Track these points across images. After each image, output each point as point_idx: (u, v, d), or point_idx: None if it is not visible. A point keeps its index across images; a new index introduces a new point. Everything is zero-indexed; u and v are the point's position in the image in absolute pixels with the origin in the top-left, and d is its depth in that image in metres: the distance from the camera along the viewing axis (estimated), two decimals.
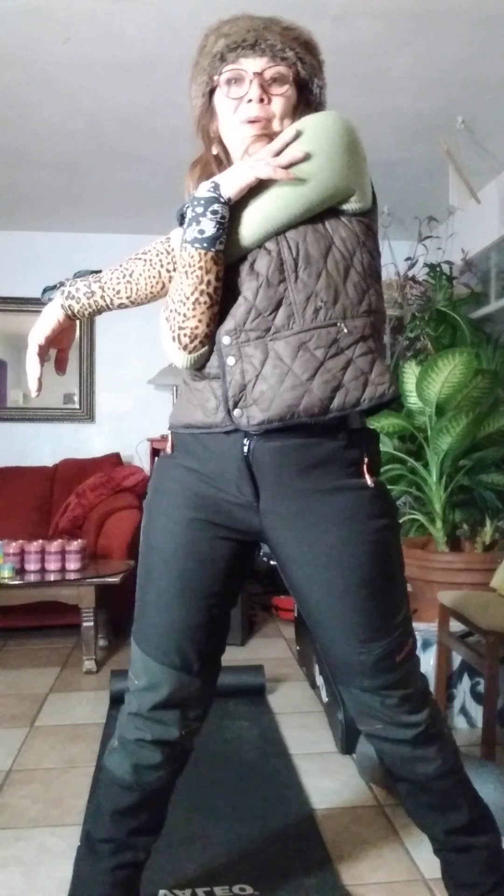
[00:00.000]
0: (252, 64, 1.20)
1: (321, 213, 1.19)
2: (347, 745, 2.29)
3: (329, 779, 2.15)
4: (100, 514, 3.83)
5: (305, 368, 1.16)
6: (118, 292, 1.26)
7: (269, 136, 1.21)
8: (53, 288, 1.28)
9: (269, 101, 1.21)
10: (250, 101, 1.20)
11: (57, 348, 1.35)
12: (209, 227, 1.14)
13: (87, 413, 4.78)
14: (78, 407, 4.77)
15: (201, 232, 1.14)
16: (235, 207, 1.16)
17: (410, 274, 4.02)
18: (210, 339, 1.21)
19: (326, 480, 1.21)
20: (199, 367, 1.24)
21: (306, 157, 1.14)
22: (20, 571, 3.23)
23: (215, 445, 1.23)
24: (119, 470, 4.19)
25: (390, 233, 4.14)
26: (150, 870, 1.48)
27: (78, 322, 1.33)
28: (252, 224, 1.16)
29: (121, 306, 1.27)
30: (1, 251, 4.66)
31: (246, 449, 1.20)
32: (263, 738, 2.44)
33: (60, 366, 1.37)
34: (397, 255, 3.99)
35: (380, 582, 1.23)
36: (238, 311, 1.18)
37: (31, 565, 3.26)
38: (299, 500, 1.22)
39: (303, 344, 1.16)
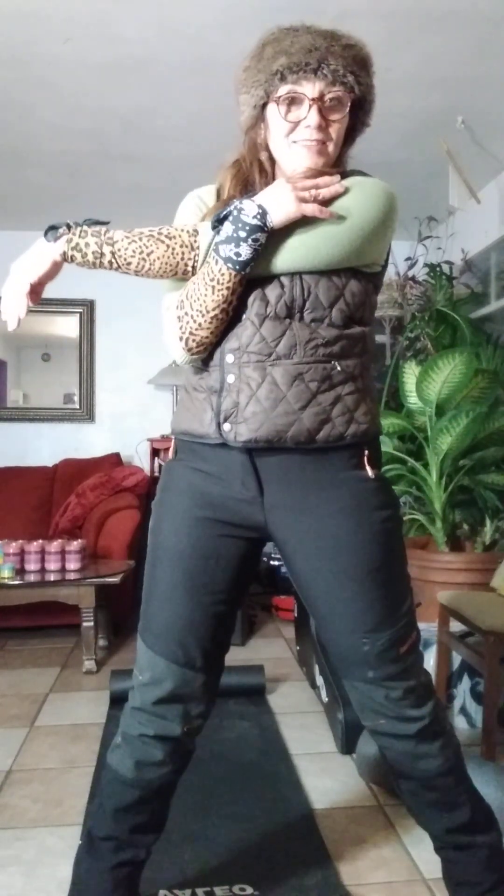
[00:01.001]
0: (311, 88, 1.19)
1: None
2: (347, 745, 2.29)
3: (329, 779, 2.15)
4: (100, 514, 3.83)
5: (299, 398, 1.20)
6: (129, 264, 1.20)
7: (322, 160, 1.23)
8: (57, 228, 1.21)
9: (328, 125, 1.21)
10: (308, 126, 1.20)
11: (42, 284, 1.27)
12: (246, 252, 1.15)
13: (87, 413, 4.78)
14: (78, 407, 4.77)
15: (237, 255, 1.15)
16: (270, 236, 1.17)
17: (410, 274, 4.03)
18: (214, 346, 1.24)
19: (329, 473, 1.25)
20: (196, 367, 1.27)
21: (342, 218, 1.17)
22: (20, 571, 3.23)
23: (217, 447, 1.26)
24: (119, 470, 4.19)
25: None
26: (150, 870, 1.48)
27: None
28: (278, 258, 1.19)
29: (123, 273, 1.23)
30: (1, 251, 4.66)
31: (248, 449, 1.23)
32: (263, 738, 2.44)
33: (36, 298, 1.26)
34: (397, 255, 3.99)
35: (384, 572, 1.26)
36: (244, 333, 1.21)
37: (31, 565, 3.25)
38: (303, 492, 1.25)
39: (300, 374, 1.20)
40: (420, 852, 1.74)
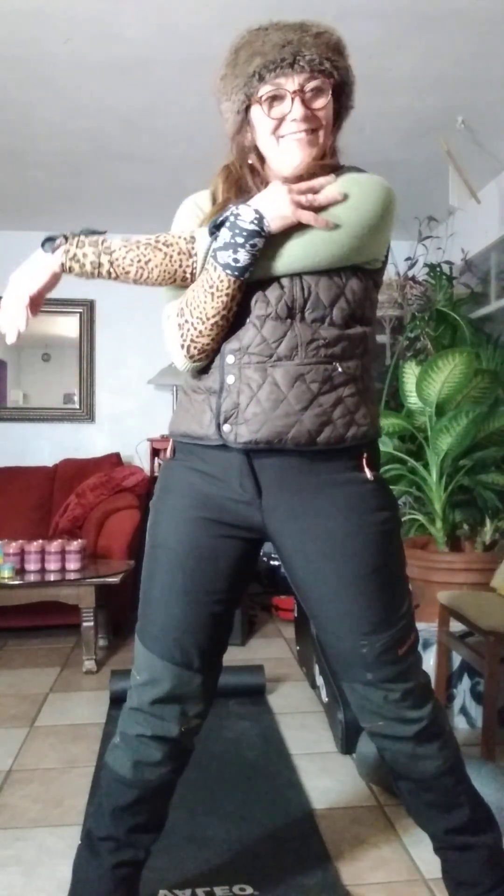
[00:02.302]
0: (291, 82, 1.20)
1: None
2: (347, 745, 2.29)
3: (329, 779, 2.15)
4: (100, 514, 3.83)
5: (300, 399, 1.19)
6: (127, 273, 1.20)
7: (314, 150, 1.23)
8: (54, 239, 1.20)
9: (313, 114, 1.22)
10: (294, 119, 1.20)
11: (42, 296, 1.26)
12: (244, 257, 1.15)
13: (87, 413, 4.78)
14: (78, 407, 4.77)
15: (236, 261, 1.15)
16: (267, 239, 1.17)
17: (410, 274, 4.03)
18: (215, 352, 1.24)
19: (327, 475, 1.24)
20: (197, 371, 1.27)
21: (341, 223, 1.17)
22: (20, 571, 3.23)
23: (216, 449, 1.26)
24: (119, 470, 4.19)
25: None
26: (150, 870, 1.48)
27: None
28: (277, 261, 1.18)
29: (123, 282, 1.23)
30: (1, 251, 4.66)
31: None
32: (263, 738, 2.44)
33: (35, 310, 1.25)
34: (397, 255, 3.98)
35: (382, 574, 1.26)
36: (245, 334, 1.21)
37: (31, 565, 3.26)
38: (301, 494, 1.25)
39: (301, 375, 1.20)
40: (420, 852, 1.74)
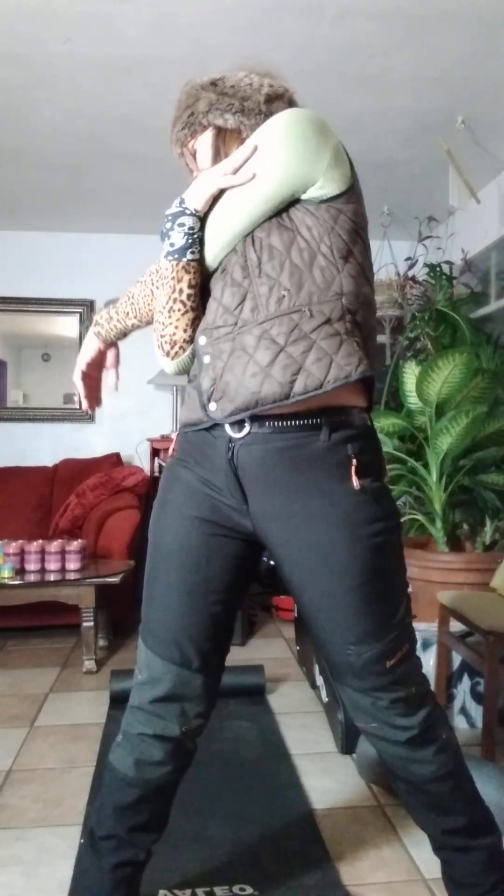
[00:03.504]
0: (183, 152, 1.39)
1: (287, 206, 1.22)
2: (347, 745, 2.29)
3: (329, 779, 2.15)
4: (100, 514, 3.83)
5: (265, 355, 1.18)
6: (127, 314, 1.39)
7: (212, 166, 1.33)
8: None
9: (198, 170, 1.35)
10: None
11: (108, 369, 1.49)
12: (178, 238, 1.22)
13: (86, 413, 4.78)
14: (78, 407, 4.77)
15: (171, 245, 1.23)
16: (204, 220, 1.24)
17: (410, 274, 4.03)
18: (191, 344, 1.28)
19: (312, 484, 1.21)
20: (185, 371, 1.32)
21: (261, 164, 1.19)
22: (20, 571, 3.23)
23: (207, 448, 1.27)
24: (119, 470, 4.19)
25: (390, 233, 4.15)
26: (150, 870, 1.48)
27: (118, 344, 1.47)
28: (217, 234, 1.24)
29: (134, 326, 1.40)
30: (1, 251, 4.66)
31: (230, 454, 1.23)
32: (263, 738, 2.44)
33: (115, 387, 1.49)
34: (397, 255, 3.99)
35: (372, 586, 1.23)
36: (209, 311, 1.25)
37: (31, 565, 3.26)
38: (287, 500, 1.22)
39: (265, 332, 1.19)
40: (420, 852, 1.74)
